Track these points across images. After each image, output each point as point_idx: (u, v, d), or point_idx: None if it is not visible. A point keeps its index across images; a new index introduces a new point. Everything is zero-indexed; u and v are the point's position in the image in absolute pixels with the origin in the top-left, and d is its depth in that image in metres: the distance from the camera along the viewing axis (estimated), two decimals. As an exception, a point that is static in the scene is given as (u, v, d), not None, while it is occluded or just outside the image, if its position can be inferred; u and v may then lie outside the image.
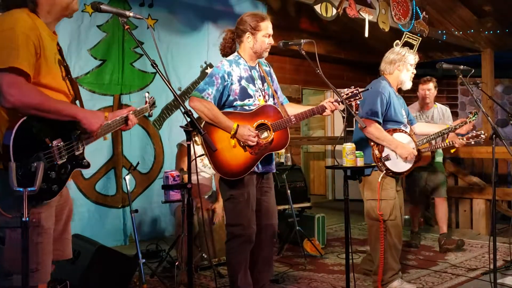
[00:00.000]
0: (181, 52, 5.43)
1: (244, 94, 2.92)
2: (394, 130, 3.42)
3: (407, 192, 4.92)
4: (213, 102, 2.84)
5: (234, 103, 2.90)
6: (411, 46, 5.92)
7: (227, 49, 3.07)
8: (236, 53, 3.03)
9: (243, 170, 2.86)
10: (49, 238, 1.94)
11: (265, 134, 2.90)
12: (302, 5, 5.14)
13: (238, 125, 2.81)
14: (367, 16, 5.25)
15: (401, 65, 3.49)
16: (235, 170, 2.85)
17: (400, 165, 3.39)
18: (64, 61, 2.08)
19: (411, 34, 5.86)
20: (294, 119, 2.93)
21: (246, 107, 2.92)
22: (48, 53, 1.90)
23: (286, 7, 6.27)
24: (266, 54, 3.02)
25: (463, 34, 7.15)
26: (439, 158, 4.93)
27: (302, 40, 2.92)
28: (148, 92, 2.64)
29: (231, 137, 2.84)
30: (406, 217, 5.90)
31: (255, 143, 2.84)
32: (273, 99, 3.08)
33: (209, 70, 5.65)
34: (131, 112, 2.31)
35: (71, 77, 2.10)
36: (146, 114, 2.57)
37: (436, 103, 4.97)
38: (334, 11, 4.96)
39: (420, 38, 5.97)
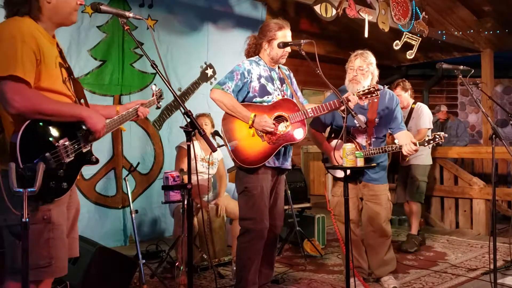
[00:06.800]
0: (181, 52, 5.43)
1: (263, 91, 3.01)
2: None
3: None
4: (232, 95, 2.94)
5: (254, 100, 3.00)
6: (411, 46, 5.93)
7: (251, 54, 3.16)
8: (257, 56, 3.13)
9: (260, 159, 2.94)
10: (62, 234, 2.00)
11: (283, 125, 2.98)
12: (301, 5, 5.14)
13: (255, 115, 2.90)
14: (367, 17, 5.26)
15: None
16: (252, 159, 2.93)
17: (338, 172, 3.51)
18: (65, 62, 2.13)
19: (410, 35, 5.86)
20: (311, 112, 3.00)
21: (265, 104, 3.01)
22: (48, 59, 1.95)
23: (285, 8, 6.27)
24: (283, 61, 3.12)
25: (463, 34, 7.16)
26: (416, 161, 4.80)
27: (301, 40, 2.92)
28: (155, 84, 2.70)
29: (249, 127, 2.92)
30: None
31: (272, 130, 2.91)
32: (293, 99, 3.14)
33: (208, 71, 5.68)
34: (139, 104, 2.43)
35: (73, 78, 2.16)
36: (154, 106, 2.64)
37: (418, 103, 4.87)
38: (334, 11, 4.97)
39: (420, 39, 5.97)
